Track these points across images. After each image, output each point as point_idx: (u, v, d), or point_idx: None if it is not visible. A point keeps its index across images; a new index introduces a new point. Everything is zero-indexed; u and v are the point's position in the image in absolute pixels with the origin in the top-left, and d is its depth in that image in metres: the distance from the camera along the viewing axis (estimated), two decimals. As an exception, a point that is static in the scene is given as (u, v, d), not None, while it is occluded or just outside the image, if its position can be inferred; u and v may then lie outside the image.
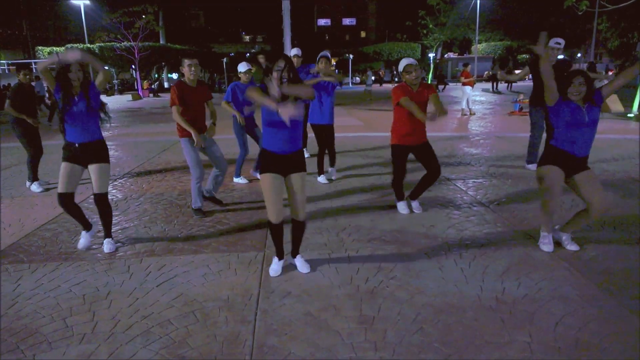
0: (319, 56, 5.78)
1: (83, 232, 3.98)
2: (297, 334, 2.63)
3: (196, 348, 2.51)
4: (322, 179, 6.09)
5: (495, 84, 28.21)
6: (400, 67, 4.40)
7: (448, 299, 2.98)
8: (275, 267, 3.42)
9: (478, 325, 2.67)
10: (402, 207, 4.76)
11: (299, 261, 3.47)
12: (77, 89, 3.69)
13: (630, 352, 2.40)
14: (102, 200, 3.89)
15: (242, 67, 5.81)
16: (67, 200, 3.77)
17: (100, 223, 4.03)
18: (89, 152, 3.77)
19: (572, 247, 3.72)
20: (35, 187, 6.08)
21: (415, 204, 4.79)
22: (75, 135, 3.72)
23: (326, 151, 6.09)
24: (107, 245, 3.93)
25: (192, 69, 4.41)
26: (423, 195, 4.91)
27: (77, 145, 3.73)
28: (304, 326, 2.71)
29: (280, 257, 3.45)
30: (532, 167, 6.67)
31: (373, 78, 25.25)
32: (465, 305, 2.90)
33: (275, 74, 2.96)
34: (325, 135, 5.94)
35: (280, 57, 2.98)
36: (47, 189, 6.10)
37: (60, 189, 3.74)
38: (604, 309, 2.81)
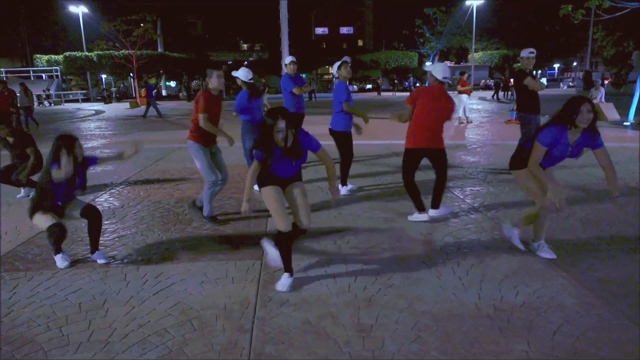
0: (340, 61, 5.66)
1: (60, 254, 3.77)
2: (295, 342, 2.62)
3: (193, 357, 2.50)
4: (344, 190, 5.86)
5: (496, 93, 28.17)
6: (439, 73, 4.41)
7: (446, 307, 2.97)
8: (284, 281, 3.24)
9: (476, 334, 2.66)
10: (423, 218, 4.65)
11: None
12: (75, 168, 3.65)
13: (628, 361, 2.40)
14: (91, 210, 3.77)
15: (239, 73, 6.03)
16: (62, 231, 3.63)
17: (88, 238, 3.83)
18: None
19: (547, 254, 3.70)
20: None
21: (441, 209, 4.70)
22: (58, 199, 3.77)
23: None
24: (99, 259, 3.81)
25: (222, 79, 4.65)
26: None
27: (60, 204, 3.77)
28: (302, 334, 2.69)
29: (289, 271, 3.28)
30: None
31: (355, 87, 25.39)
32: (464, 313, 2.90)
33: (280, 135, 2.95)
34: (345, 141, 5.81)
35: (279, 116, 2.93)
36: None
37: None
38: (602, 318, 2.81)
